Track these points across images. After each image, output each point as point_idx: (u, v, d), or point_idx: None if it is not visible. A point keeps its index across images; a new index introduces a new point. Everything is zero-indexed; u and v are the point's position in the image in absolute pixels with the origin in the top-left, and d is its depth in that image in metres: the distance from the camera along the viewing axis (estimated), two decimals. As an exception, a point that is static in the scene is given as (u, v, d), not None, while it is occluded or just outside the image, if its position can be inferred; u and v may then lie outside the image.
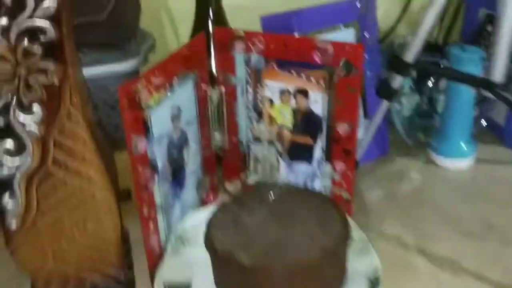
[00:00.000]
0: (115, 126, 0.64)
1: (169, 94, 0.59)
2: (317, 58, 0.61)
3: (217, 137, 0.72)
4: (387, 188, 0.79)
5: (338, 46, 0.59)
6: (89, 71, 0.64)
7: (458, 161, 0.84)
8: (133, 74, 0.67)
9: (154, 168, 0.58)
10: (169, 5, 0.88)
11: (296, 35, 0.71)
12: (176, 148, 0.62)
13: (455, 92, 0.81)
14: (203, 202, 0.71)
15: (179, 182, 0.65)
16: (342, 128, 0.63)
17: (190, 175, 0.67)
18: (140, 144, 0.53)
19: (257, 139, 0.71)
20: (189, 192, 0.68)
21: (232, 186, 0.76)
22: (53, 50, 0.48)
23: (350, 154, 0.64)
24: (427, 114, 0.88)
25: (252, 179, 0.74)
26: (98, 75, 0.65)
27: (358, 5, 0.78)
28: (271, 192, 0.61)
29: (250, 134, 0.71)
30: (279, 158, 0.70)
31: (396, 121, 0.88)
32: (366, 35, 0.80)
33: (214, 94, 0.69)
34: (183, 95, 0.63)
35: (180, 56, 0.61)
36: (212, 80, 0.69)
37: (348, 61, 0.59)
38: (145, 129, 0.54)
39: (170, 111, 0.60)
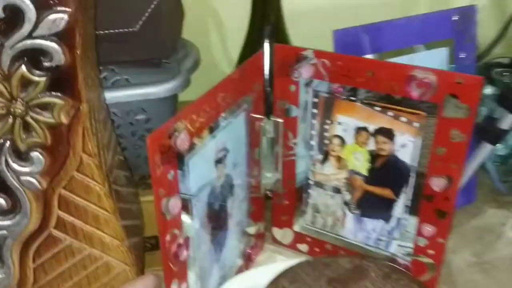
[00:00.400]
0: (145, 158, 0.50)
1: (215, 133, 0.45)
2: (412, 91, 0.45)
3: (268, 177, 0.58)
4: (478, 251, 0.62)
5: (445, 76, 0.44)
6: (116, 95, 0.51)
7: None
8: (171, 99, 0.54)
9: (189, 231, 0.44)
10: (218, 13, 0.74)
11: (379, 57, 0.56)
12: (218, 199, 0.49)
13: None
14: (247, 257, 0.57)
15: (220, 241, 0.51)
16: (437, 183, 0.48)
17: (233, 229, 0.53)
18: (173, 205, 0.40)
19: (318, 184, 0.56)
20: (231, 249, 0.54)
21: (282, 236, 0.62)
22: (61, 79, 0.35)
23: (446, 217, 0.49)
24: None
25: (307, 229, 0.60)
26: (128, 99, 0.51)
27: (455, 19, 0.61)
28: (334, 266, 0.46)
29: (311, 177, 0.56)
30: (346, 211, 0.56)
31: (487, 162, 0.71)
32: (462, 55, 0.63)
33: (268, 126, 0.55)
34: (232, 131, 0.49)
35: (232, 81, 0.47)
36: (266, 109, 0.55)
37: (455, 97, 0.44)
38: (180, 185, 0.41)
39: (214, 154, 0.46)
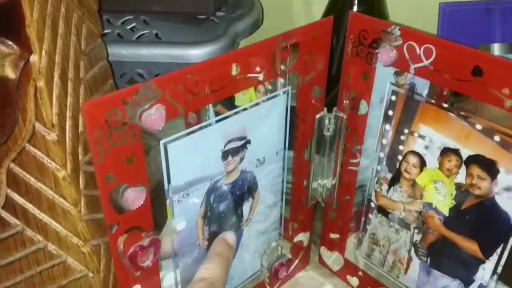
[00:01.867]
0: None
1: (224, 115, 0.33)
2: (537, 111, 0.29)
3: (320, 185, 0.45)
4: None
5: None
6: (139, 52, 0.41)
7: None
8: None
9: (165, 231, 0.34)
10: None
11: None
12: (226, 199, 0.37)
13: None
14: (273, 273, 0.45)
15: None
16: (551, 257, 0.31)
17: (251, 238, 0.42)
18: (133, 197, 0.29)
19: (382, 211, 0.42)
20: (246, 260, 0.43)
21: (331, 260, 0.49)
22: (2, 19, 0.25)
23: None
24: None
25: (361, 259, 0.46)
26: (154, 59, 0.41)
27: None
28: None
29: (374, 198, 0.42)
30: (412, 254, 0.41)
31: None
32: None
33: (327, 119, 0.41)
34: (261, 118, 0.36)
35: (264, 49, 0.34)
36: (328, 99, 0.42)
37: None
38: (150, 172, 0.30)
39: (221, 143, 0.34)
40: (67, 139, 0.29)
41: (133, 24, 0.42)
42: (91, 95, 0.32)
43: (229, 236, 0.39)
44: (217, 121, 0.33)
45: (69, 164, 0.30)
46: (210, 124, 0.33)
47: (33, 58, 0.26)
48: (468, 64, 0.31)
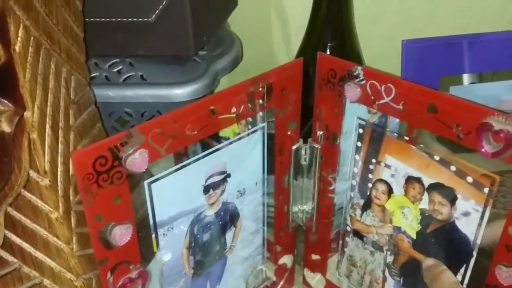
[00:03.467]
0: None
1: (202, 154, 0.36)
2: (485, 144, 0.32)
3: (301, 211, 0.47)
4: None
5: (535, 134, 0.30)
6: (125, 93, 0.44)
7: None
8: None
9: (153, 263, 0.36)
10: (282, 4, 0.62)
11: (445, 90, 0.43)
12: (209, 230, 0.40)
13: None
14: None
15: (212, 276, 0.42)
16: (506, 275, 0.34)
17: (235, 264, 0.44)
18: (120, 234, 0.32)
19: (357, 234, 0.45)
20: (232, 285, 0.45)
21: (314, 281, 0.52)
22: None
23: (513, 321, 0.35)
24: None
25: (341, 281, 0.49)
26: (140, 99, 0.44)
27: None
28: None
29: (349, 222, 0.45)
30: (387, 274, 0.44)
31: None
32: None
33: (303, 150, 0.44)
34: (240, 153, 0.39)
35: (244, 89, 0.37)
36: (303, 130, 0.45)
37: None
38: (135, 210, 0.33)
39: (203, 178, 0.37)
40: (59, 183, 0.32)
41: (120, 67, 0.45)
42: (81, 139, 0.35)
43: None
44: (198, 159, 0.36)
45: (61, 206, 0.32)
46: (190, 163, 0.36)
47: (27, 114, 0.29)
48: (423, 101, 0.34)
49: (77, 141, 0.34)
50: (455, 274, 0.38)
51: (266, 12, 0.62)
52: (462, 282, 0.38)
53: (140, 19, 0.41)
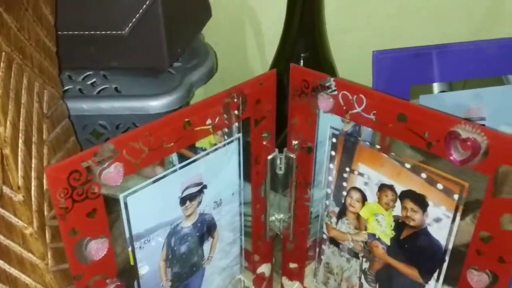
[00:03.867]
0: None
1: (179, 165, 0.37)
2: (453, 152, 0.33)
3: (278, 220, 0.48)
4: None
5: (502, 141, 0.31)
6: (100, 105, 0.44)
7: None
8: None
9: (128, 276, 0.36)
10: (256, 15, 0.64)
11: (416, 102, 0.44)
12: (186, 241, 0.40)
13: None
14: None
15: (190, 287, 0.43)
16: (477, 279, 0.35)
17: (213, 275, 0.45)
18: (96, 248, 0.32)
19: (333, 242, 0.45)
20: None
21: (292, 288, 0.52)
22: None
23: (485, 324, 0.36)
24: None
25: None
26: (114, 112, 0.44)
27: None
28: None
29: (325, 230, 0.46)
30: (363, 280, 0.44)
31: None
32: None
33: (279, 159, 0.45)
34: (215, 164, 0.40)
35: (218, 101, 0.37)
36: (278, 140, 0.45)
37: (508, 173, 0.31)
38: (111, 225, 0.33)
39: (179, 190, 0.37)
40: (33, 198, 0.32)
41: (94, 80, 0.45)
42: (55, 154, 0.35)
43: None
44: (173, 172, 0.36)
45: (35, 221, 0.32)
46: (166, 175, 0.36)
47: (-1, 129, 0.29)
48: (394, 111, 0.35)
49: (50, 155, 0.34)
50: (429, 280, 0.39)
51: (240, 22, 0.63)
52: (436, 286, 0.39)
53: (114, 32, 0.41)
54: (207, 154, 0.38)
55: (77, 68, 0.44)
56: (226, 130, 0.40)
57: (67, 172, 0.29)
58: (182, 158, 0.37)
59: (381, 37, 0.61)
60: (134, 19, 0.40)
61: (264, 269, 0.51)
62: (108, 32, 0.41)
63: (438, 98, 0.47)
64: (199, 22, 0.51)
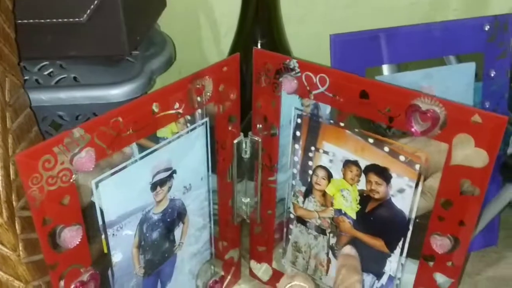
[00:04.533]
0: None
1: (149, 150, 0.37)
2: (414, 125, 0.35)
3: (243, 203, 0.48)
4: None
5: (458, 111, 0.33)
6: (59, 95, 0.43)
7: None
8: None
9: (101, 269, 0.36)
10: (211, 4, 0.64)
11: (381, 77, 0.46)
12: (158, 228, 0.40)
13: None
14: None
15: (162, 274, 0.42)
16: (440, 244, 0.37)
17: (185, 261, 0.45)
18: (69, 237, 0.31)
19: (301, 220, 0.47)
20: (181, 282, 0.45)
21: (261, 271, 0.53)
22: None
23: (447, 285, 0.39)
24: None
25: (287, 267, 0.50)
26: (74, 102, 0.43)
27: (486, 29, 0.50)
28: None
29: (292, 210, 0.47)
30: (331, 256, 0.46)
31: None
32: (492, 74, 0.52)
33: (244, 143, 0.45)
34: (183, 149, 0.40)
35: (179, 88, 0.37)
36: (242, 124, 0.46)
37: (470, 139, 0.33)
38: (85, 212, 0.32)
39: (149, 175, 0.37)
40: (0, 189, 0.31)
41: (50, 70, 0.43)
42: (19, 143, 0.34)
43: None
44: (143, 157, 0.36)
45: (4, 212, 0.31)
46: (136, 160, 0.36)
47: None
48: (356, 89, 0.37)
49: (15, 144, 0.33)
50: (394, 249, 0.41)
51: (195, 12, 0.63)
52: (401, 254, 0.41)
53: (71, 20, 0.40)
54: (170, 142, 0.38)
55: (33, 58, 0.43)
56: (189, 117, 0.40)
57: (38, 158, 0.29)
58: (145, 147, 0.36)
59: (334, 25, 0.63)
60: (92, 6, 0.39)
61: (233, 254, 0.51)
62: (65, 19, 0.40)
63: (392, 78, 0.49)
64: (155, 10, 0.50)
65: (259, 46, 0.54)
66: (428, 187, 0.37)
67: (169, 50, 0.50)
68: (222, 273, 0.50)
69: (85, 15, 0.39)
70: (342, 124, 0.39)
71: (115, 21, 0.41)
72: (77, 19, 0.40)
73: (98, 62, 0.45)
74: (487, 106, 0.50)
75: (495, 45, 0.48)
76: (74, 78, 0.44)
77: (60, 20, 0.39)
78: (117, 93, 0.43)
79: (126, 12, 0.41)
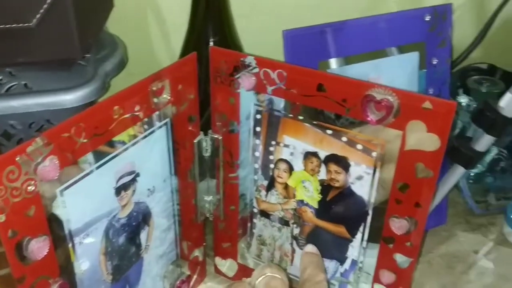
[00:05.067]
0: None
1: (111, 155, 0.36)
2: (370, 114, 0.37)
3: (207, 201, 0.49)
4: (447, 282, 0.55)
5: (410, 99, 0.35)
6: (11, 104, 0.41)
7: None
8: (84, 108, 0.44)
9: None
10: (158, 3, 0.63)
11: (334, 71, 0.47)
12: (124, 232, 0.40)
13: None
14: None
15: (130, 278, 0.42)
16: (398, 225, 0.39)
17: (151, 263, 0.45)
18: (37, 248, 0.31)
19: (264, 214, 0.48)
20: (149, 286, 0.45)
21: (226, 267, 0.54)
22: None
23: (408, 264, 0.41)
24: (507, 173, 0.64)
25: (253, 262, 0.51)
26: (27, 109, 0.42)
27: (427, 19, 0.53)
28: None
29: (255, 204, 0.48)
30: (295, 246, 0.47)
31: (460, 180, 0.63)
32: (434, 62, 0.55)
33: (205, 142, 0.46)
34: (146, 151, 0.40)
35: (138, 90, 0.37)
36: (203, 122, 0.46)
37: (422, 125, 0.35)
38: (50, 222, 0.32)
39: (113, 180, 0.37)
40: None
41: (0, 78, 0.42)
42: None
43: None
44: (104, 163, 0.36)
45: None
46: (98, 167, 0.35)
47: None
48: (313, 82, 0.38)
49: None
50: (355, 234, 0.43)
51: (143, 12, 0.62)
52: (361, 242, 0.43)
53: (20, 25, 0.39)
54: (126, 149, 0.38)
55: (-21, 66, 0.41)
56: (147, 119, 0.40)
57: (2, 170, 0.28)
58: (104, 154, 0.36)
59: (281, 19, 0.64)
60: (41, 10, 0.38)
61: (198, 253, 0.52)
62: (14, 25, 0.38)
63: (342, 71, 0.51)
64: (104, 11, 0.49)
65: (211, 44, 0.55)
66: (382, 180, 0.39)
67: (121, 51, 0.50)
68: (189, 272, 0.51)
69: (35, 20, 0.38)
70: (301, 118, 0.41)
71: (66, 25, 0.40)
72: (26, 24, 0.38)
73: (50, 68, 0.43)
74: (431, 92, 0.53)
75: (436, 34, 0.51)
76: (25, 85, 0.42)
77: (8, 25, 0.38)
78: (71, 98, 0.42)
79: (77, 14, 0.40)
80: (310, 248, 0.44)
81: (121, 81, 0.52)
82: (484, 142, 0.49)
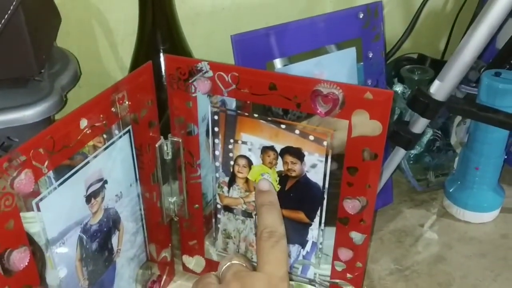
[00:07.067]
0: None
1: (81, 165, 0.38)
2: (319, 107, 0.40)
3: (171, 202, 0.51)
4: (398, 256, 0.60)
5: (353, 91, 0.39)
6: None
7: (482, 214, 0.66)
8: (44, 123, 0.45)
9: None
10: (104, 16, 0.64)
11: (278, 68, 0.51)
12: (96, 238, 0.41)
13: (482, 129, 0.62)
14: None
15: (105, 282, 0.44)
16: (351, 206, 0.43)
17: (124, 266, 0.46)
18: (18, 259, 0.32)
19: (228, 209, 0.50)
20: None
21: (193, 264, 0.56)
22: None
23: (363, 240, 0.45)
24: (442, 151, 0.70)
25: (219, 256, 0.54)
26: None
27: (360, 17, 0.58)
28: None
29: (219, 201, 0.50)
30: (259, 236, 0.50)
31: (401, 161, 0.69)
32: (370, 55, 0.60)
33: (166, 146, 0.48)
34: (112, 159, 0.42)
35: (101, 102, 0.39)
36: (161, 127, 0.48)
37: (365, 113, 0.39)
38: (28, 232, 0.33)
39: (84, 188, 0.39)
40: None
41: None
42: None
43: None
44: (74, 173, 0.37)
45: None
46: (70, 176, 0.37)
47: None
48: (265, 82, 0.41)
49: None
50: (314, 218, 0.46)
51: (88, 24, 0.63)
52: (319, 224, 0.47)
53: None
54: (87, 162, 0.39)
55: None
56: (109, 129, 0.41)
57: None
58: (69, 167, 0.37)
59: (223, 25, 0.68)
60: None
61: (165, 253, 0.54)
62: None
63: (288, 69, 0.54)
64: (54, 27, 0.50)
65: (161, 52, 0.57)
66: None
67: (74, 65, 0.51)
68: (159, 273, 0.53)
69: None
70: (256, 115, 0.44)
71: (21, 42, 0.41)
72: (-20, 44, 0.39)
73: (5, 85, 0.44)
74: (369, 83, 0.58)
75: (369, 30, 0.56)
76: (-18, 104, 0.43)
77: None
78: (31, 113, 0.43)
79: (30, 32, 0.41)
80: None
81: (71, 94, 0.53)
82: (420, 124, 0.54)
